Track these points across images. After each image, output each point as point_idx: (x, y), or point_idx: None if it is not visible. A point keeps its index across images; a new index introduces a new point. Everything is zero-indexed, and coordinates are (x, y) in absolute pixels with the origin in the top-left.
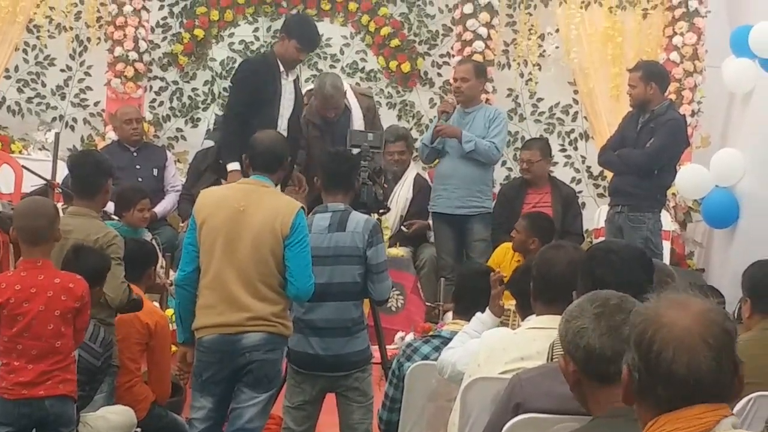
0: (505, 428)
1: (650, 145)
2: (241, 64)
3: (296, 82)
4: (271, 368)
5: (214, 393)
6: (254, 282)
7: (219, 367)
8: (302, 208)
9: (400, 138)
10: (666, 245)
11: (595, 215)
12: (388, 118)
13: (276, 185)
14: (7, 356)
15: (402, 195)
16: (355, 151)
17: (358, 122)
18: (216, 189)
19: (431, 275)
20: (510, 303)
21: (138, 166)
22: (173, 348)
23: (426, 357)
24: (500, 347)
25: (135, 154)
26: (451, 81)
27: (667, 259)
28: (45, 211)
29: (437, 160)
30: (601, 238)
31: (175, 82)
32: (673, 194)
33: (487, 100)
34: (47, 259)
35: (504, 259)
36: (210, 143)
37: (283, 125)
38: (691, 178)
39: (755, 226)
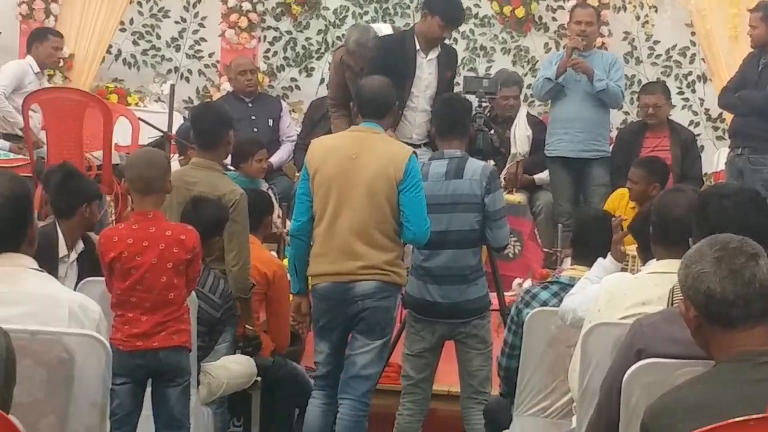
0: (627, 374)
1: None
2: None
3: (440, 57)
4: (384, 315)
5: (330, 339)
6: (368, 229)
7: (333, 313)
8: (414, 153)
9: (513, 83)
10: None
11: (714, 158)
12: (502, 63)
13: (386, 131)
14: (121, 308)
15: (521, 134)
16: (470, 97)
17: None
18: (327, 138)
19: (548, 221)
20: (631, 248)
21: (253, 117)
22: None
23: (545, 303)
24: (620, 292)
25: (250, 105)
26: (573, 25)
27: None
28: (156, 161)
29: (548, 104)
30: (722, 181)
31: (289, 32)
32: None
33: (603, 44)
34: (158, 211)
35: (620, 205)
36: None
37: (421, 105)
38: None
39: None
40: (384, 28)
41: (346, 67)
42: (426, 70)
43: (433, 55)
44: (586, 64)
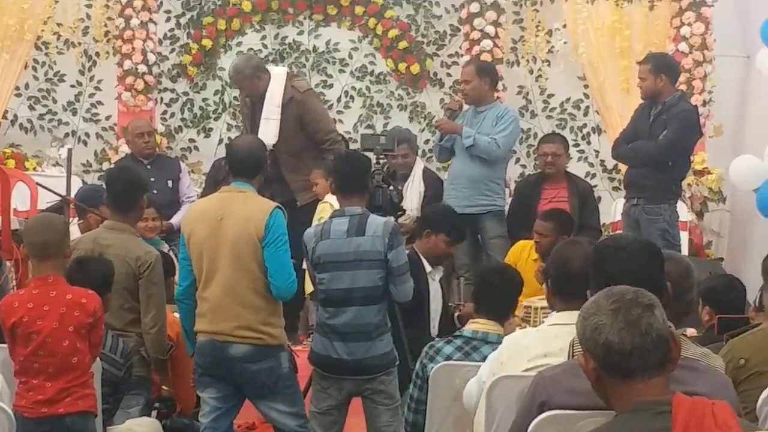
0: (531, 426)
1: (663, 136)
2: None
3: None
4: (268, 376)
5: (213, 388)
6: (240, 289)
7: (213, 366)
8: (278, 207)
9: (402, 141)
10: (684, 236)
11: (612, 208)
12: (399, 120)
13: (256, 189)
14: (24, 374)
15: (414, 190)
16: (368, 153)
17: (269, 108)
18: (199, 202)
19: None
20: (532, 300)
21: (152, 179)
22: None
23: (449, 357)
24: (522, 345)
25: (149, 166)
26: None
27: (685, 249)
28: (54, 226)
29: (450, 161)
30: (619, 232)
31: (186, 93)
32: (689, 185)
33: (498, 98)
34: (58, 275)
35: (521, 257)
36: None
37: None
38: (744, 169)
39: None
40: (278, 70)
41: (243, 102)
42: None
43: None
44: (452, 124)
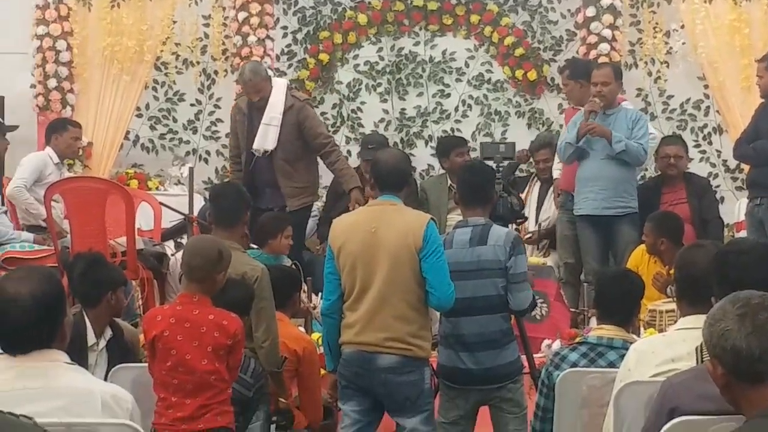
0: None
1: None
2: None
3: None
4: (411, 390)
5: (355, 401)
6: (393, 300)
7: (357, 378)
8: (432, 219)
9: (544, 145)
10: None
11: (735, 208)
12: (517, 127)
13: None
14: (164, 390)
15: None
16: (489, 162)
17: (270, 114)
18: (347, 216)
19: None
20: (656, 303)
21: None
22: (322, 372)
23: (574, 364)
24: (650, 350)
25: None
26: (591, 86)
27: None
28: (204, 252)
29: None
30: (743, 232)
31: None
32: None
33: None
34: (204, 296)
35: (641, 261)
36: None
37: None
38: None
39: None
40: (280, 80)
41: (238, 110)
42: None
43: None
44: (602, 128)
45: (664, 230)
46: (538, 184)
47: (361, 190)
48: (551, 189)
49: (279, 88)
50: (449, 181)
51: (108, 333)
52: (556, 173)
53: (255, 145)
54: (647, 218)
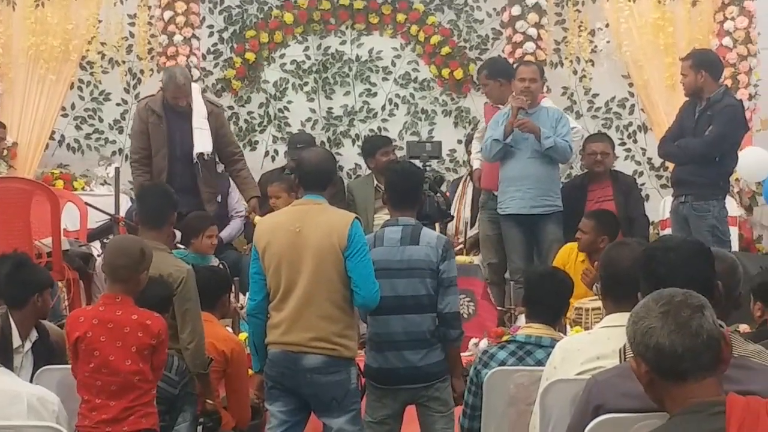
0: (586, 430)
1: (709, 132)
2: None
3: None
4: (337, 390)
5: (282, 402)
6: (318, 300)
7: (283, 378)
8: (357, 218)
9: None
10: (733, 231)
11: (660, 206)
12: (444, 126)
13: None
14: (87, 392)
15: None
16: (415, 161)
17: (199, 119)
18: (271, 216)
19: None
20: (583, 301)
21: None
22: (250, 372)
23: (503, 363)
24: (575, 348)
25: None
26: (517, 82)
27: (735, 245)
28: (127, 251)
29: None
30: (667, 230)
31: (231, 107)
32: (737, 179)
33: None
34: (127, 297)
35: (569, 259)
36: (271, 166)
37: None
38: (752, 162)
39: None
40: (194, 84)
41: (149, 112)
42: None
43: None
44: (533, 123)
45: (606, 228)
46: (472, 185)
47: (260, 199)
48: None
49: (197, 91)
50: (375, 181)
51: (34, 335)
52: (476, 163)
53: (197, 149)
54: (586, 215)
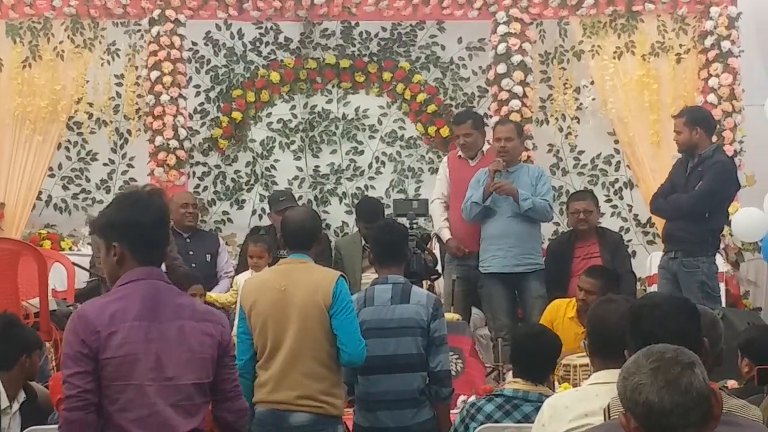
0: None
1: (698, 188)
2: None
3: None
4: None
5: None
6: (304, 358)
7: None
8: (342, 276)
9: None
10: (720, 286)
11: (647, 262)
12: (430, 183)
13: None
14: None
15: None
16: (402, 219)
17: None
18: (257, 275)
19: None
20: (571, 358)
21: (191, 252)
22: None
23: (489, 415)
24: (563, 405)
25: (188, 240)
26: (493, 142)
27: (722, 300)
28: None
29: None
30: (654, 286)
31: (218, 166)
32: (723, 236)
33: (528, 157)
34: None
35: (557, 315)
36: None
37: None
38: (746, 221)
39: None
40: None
41: None
42: None
43: None
44: (509, 186)
45: (611, 286)
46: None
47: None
48: None
49: None
50: (363, 240)
51: (21, 396)
52: (446, 233)
53: None
54: (589, 273)
